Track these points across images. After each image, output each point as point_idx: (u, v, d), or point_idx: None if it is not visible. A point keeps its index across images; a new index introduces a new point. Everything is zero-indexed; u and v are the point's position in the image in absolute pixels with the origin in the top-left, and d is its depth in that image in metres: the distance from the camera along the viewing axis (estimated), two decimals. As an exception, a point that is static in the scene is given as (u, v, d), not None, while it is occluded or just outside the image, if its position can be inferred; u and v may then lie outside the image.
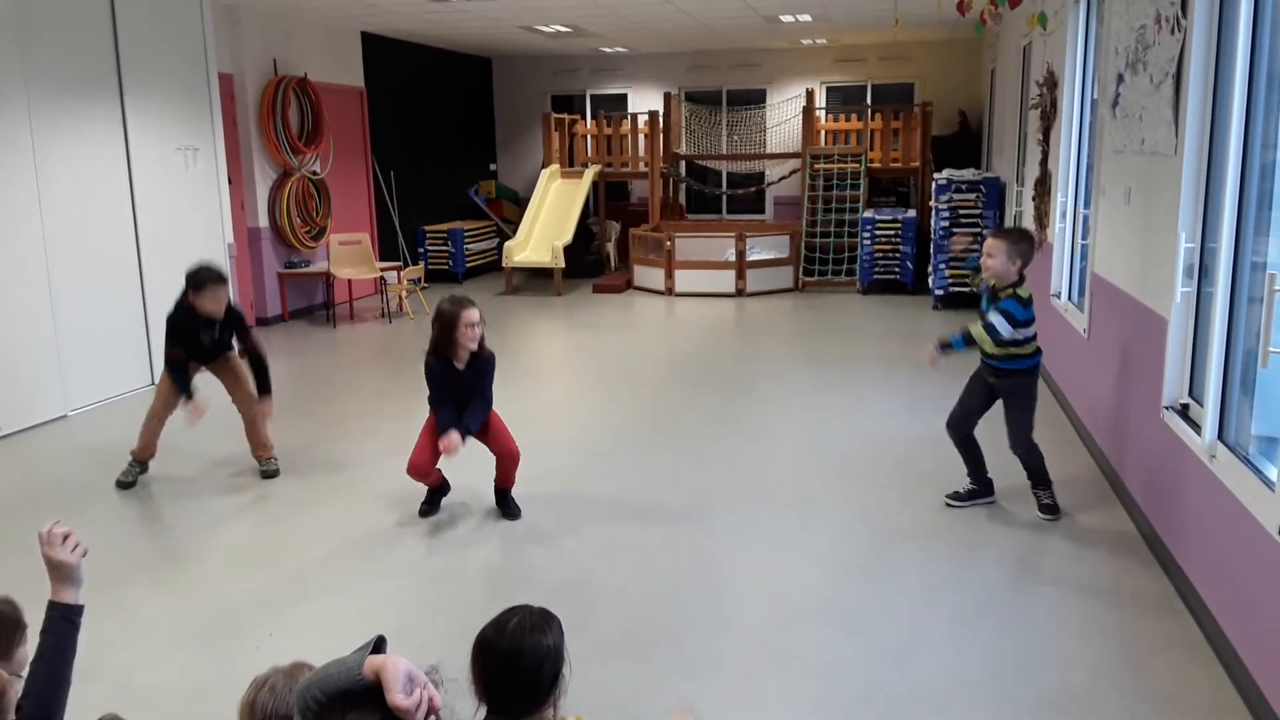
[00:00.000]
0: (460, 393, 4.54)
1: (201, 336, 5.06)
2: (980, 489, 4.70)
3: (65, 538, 2.01)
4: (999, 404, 4.57)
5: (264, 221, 9.53)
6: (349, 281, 10.17)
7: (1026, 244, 4.36)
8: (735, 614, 3.67)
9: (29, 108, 6.18)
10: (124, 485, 5.13)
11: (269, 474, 5.26)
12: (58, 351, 6.43)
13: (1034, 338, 4.42)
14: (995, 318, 4.30)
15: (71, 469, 5.50)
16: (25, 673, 2.01)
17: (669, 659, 3.33)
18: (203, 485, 5.19)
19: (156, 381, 7.20)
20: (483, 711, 1.84)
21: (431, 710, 1.66)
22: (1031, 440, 4.52)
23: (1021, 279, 4.34)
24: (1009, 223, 9.51)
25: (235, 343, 5.26)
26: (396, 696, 1.63)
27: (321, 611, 3.77)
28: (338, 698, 1.64)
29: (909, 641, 3.43)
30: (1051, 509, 4.53)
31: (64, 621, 1.96)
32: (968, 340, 4.40)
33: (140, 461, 5.23)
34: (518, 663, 1.83)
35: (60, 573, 1.98)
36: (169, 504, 4.98)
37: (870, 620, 3.60)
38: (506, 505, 4.67)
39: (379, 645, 1.74)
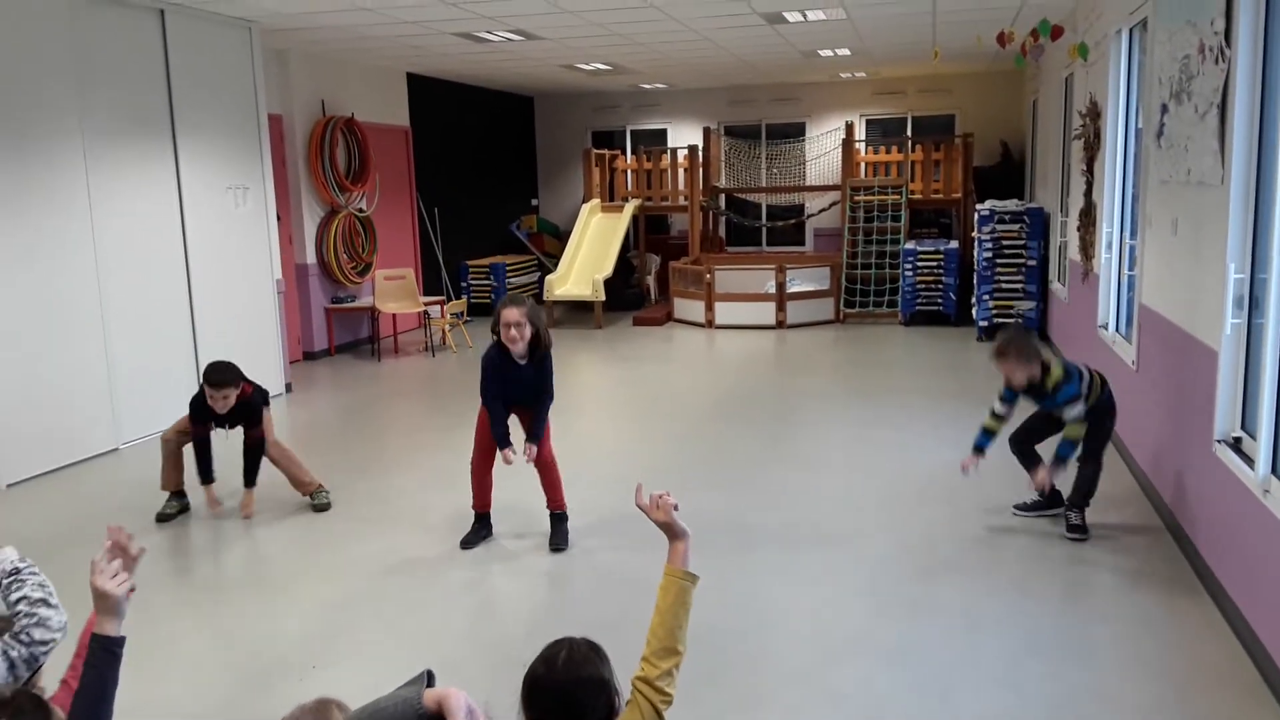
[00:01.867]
0: (518, 389, 4.55)
1: (210, 425, 5.19)
2: (1048, 500, 4.76)
3: (116, 573, 2.05)
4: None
5: (311, 258, 9.71)
6: (393, 316, 10.31)
7: (1029, 344, 4.49)
8: (777, 650, 3.64)
9: (84, 149, 6.37)
10: (164, 518, 5.21)
11: (321, 507, 5.30)
12: (110, 386, 6.58)
13: (1090, 383, 4.56)
14: (1071, 410, 4.45)
15: (121, 501, 5.60)
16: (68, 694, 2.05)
17: (711, 697, 3.30)
18: (250, 519, 5.26)
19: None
20: None
21: None
22: (1101, 456, 4.62)
23: (1047, 364, 4.48)
24: (1053, 252, 9.42)
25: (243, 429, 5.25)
26: (460, 718, 1.63)
27: (364, 644, 3.79)
28: None
29: (953, 679, 3.38)
30: (1081, 529, 4.56)
31: (106, 654, 1.99)
32: (1076, 443, 4.51)
33: (173, 494, 5.29)
34: (574, 698, 1.80)
35: (105, 604, 2.01)
36: (214, 536, 5.05)
37: (914, 656, 3.55)
38: (556, 533, 4.68)
39: (430, 679, 1.76)
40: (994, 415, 4.70)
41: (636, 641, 2.09)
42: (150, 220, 6.98)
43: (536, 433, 4.58)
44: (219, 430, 5.21)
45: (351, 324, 10.42)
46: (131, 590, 2.07)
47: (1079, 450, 4.52)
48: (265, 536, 5.00)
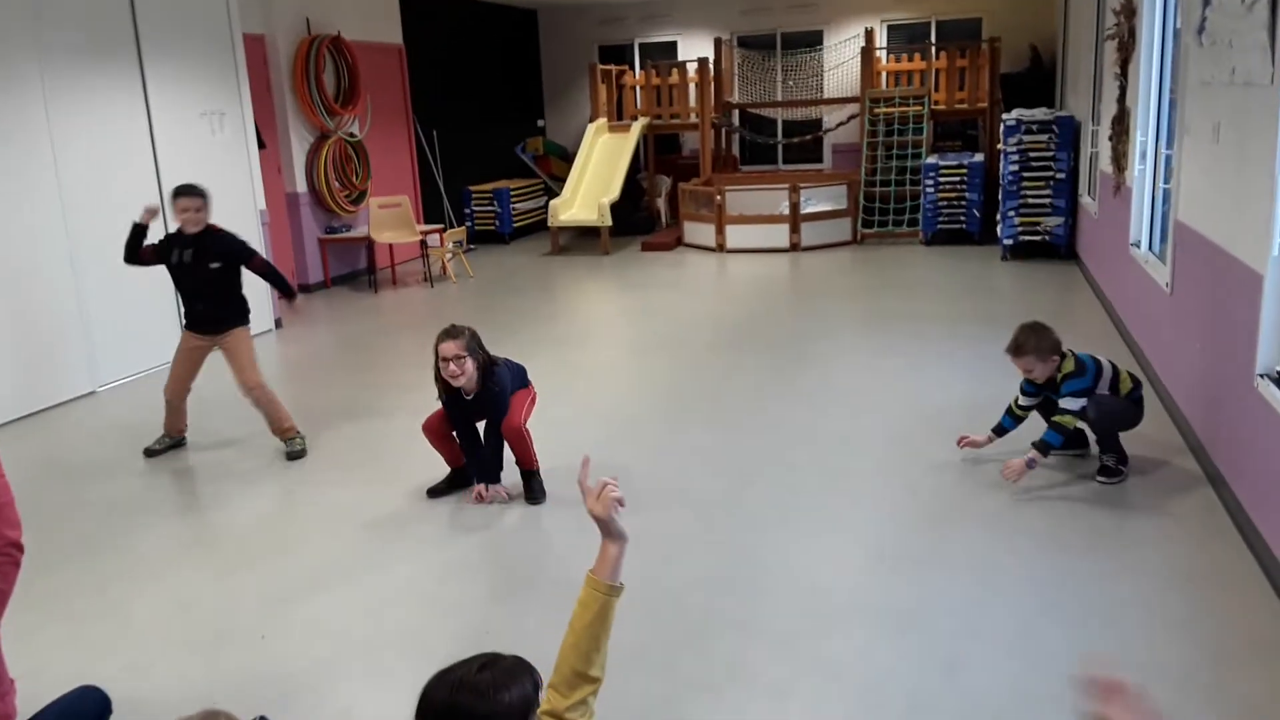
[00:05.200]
0: (472, 418, 4.33)
1: (172, 255, 4.93)
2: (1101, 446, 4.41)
3: None
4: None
5: (303, 186, 9.31)
6: (390, 246, 9.94)
7: (1048, 337, 4.10)
8: (767, 614, 3.32)
9: (42, 77, 5.97)
10: (151, 453, 5.10)
11: (294, 455, 5.01)
12: (84, 327, 6.28)
13: (1107, 377, 4.16)
14: (1070, 403, 4.06)
15: (96, 446, 5.35)
16: None
17: (691, 668, 3.00)
18: (223, 464, 4.98)
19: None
20: None
21: None
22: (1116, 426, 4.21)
23: (1062, 356, 4.12)
24: (1083, 163, 8.86)
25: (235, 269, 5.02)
26: None
27: (322, 610, 3.51)
28: None
29: (962, 646, 3.05)
30: (1113, 472, 4.17)
31: None
32: (1064, 434, 4.10)
33: (169, 435, 5.16)
34: None
35: None
36: (185, 485, 4.79)
37: (918, 621, 3.21)
38: (530, 488, 4.35)
39: None
40: (1019, 407, 4.35)
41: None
42: (119, 152, 6.59)
43: (486, 475, 4.34)
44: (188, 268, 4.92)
45: (348, 255, 10.06)
46: None
47: (1060, 442, 4.12)
48: (235, 487, 4.72)
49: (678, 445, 4.96)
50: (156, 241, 4.99)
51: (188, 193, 4.82)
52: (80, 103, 6.27)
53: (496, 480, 4.33)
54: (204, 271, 4.90)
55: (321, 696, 2.96)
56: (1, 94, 5.72)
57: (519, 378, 4.44)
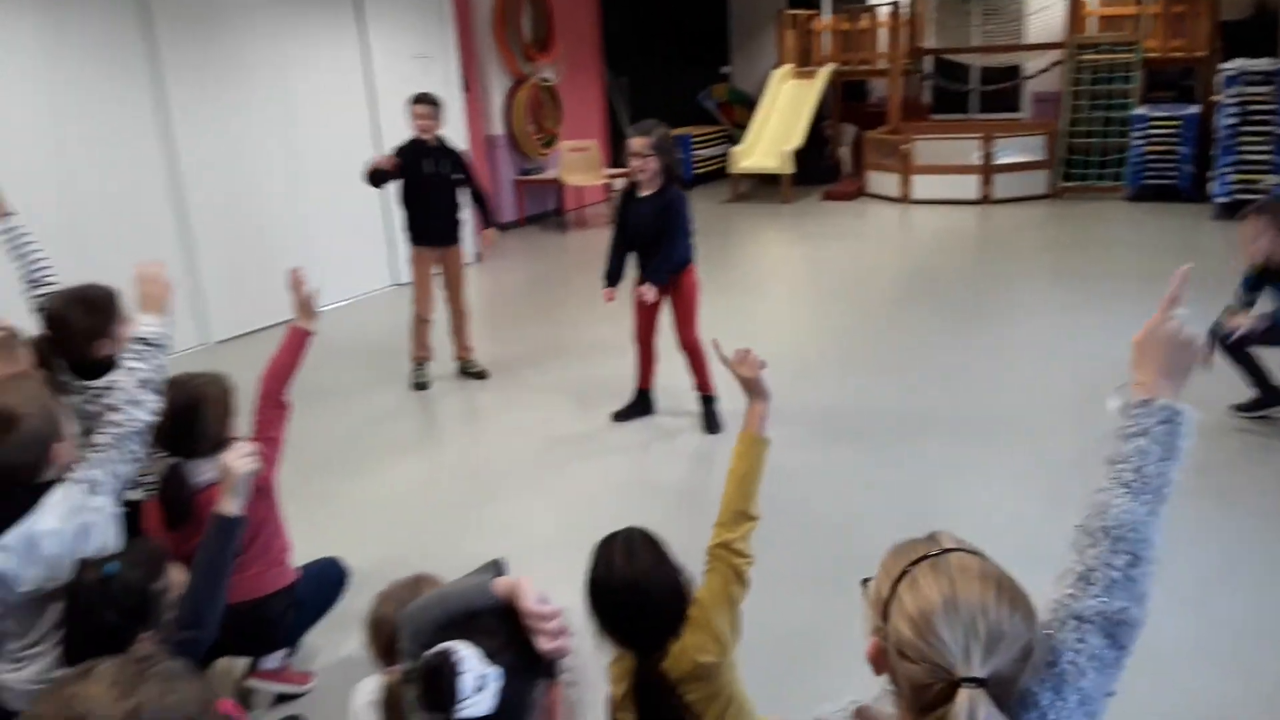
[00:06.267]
0: (641, 230, 4.28)
1: (423, 165, 5.10)
2: (1268, 397, 4.21)
3: (247, 453, 2.06)
4: None
5: (500, 129, 9.73)
6: (579, 188, 10.27)
7: None
8: (936, 551, 3.40)
9: (274, 20, 6.54)
10: (420, 386, 5.30)
11: (479, 374, 5.41)
12: (306, 252, 6.88)
13: None
14: None
15: (312, 367, 5.86)
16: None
17: (841, 600, 3.11)
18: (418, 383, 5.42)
19: (397, 281, 7.63)
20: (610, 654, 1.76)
21: (564, 633, 1.57)
22: None
23: None
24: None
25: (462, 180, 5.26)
26: (532, 604, 1.54)
27: (514, 513, 3.85)
28: (461, 619, 1.57)
29: (1134, 598, 3.05)
30: None
31: (219, 534, 2.01)
32: None
33: (420, 362, 5.34)
34: (643, 593, 1.78)
35: (227, 481, 2.03)
36: (382, 402, 5.22)
37: (1091, 570, 3.22)
38: (709, 416, 4.54)
39: (499, 568, 1.67)
40: (1240, 303, 4.13)
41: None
42: (339, 91, 7.18)
43: (652, 274, 4.25)
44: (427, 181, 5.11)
45: (540, 196, 10.47)
46: (253, 469, 2.08)
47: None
48: (433, 402, 5.15)
49: (856, 391, 5.03)
50: (400, 146, 5.13)
51: (424, 100, 5.08)
52: (306, 43, 6.83)
53: (651, 283, 4.26)
54: (448, 183, 5.18)
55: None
56: (234, 39, 6.32)
57: (687, 242, 4.34)
